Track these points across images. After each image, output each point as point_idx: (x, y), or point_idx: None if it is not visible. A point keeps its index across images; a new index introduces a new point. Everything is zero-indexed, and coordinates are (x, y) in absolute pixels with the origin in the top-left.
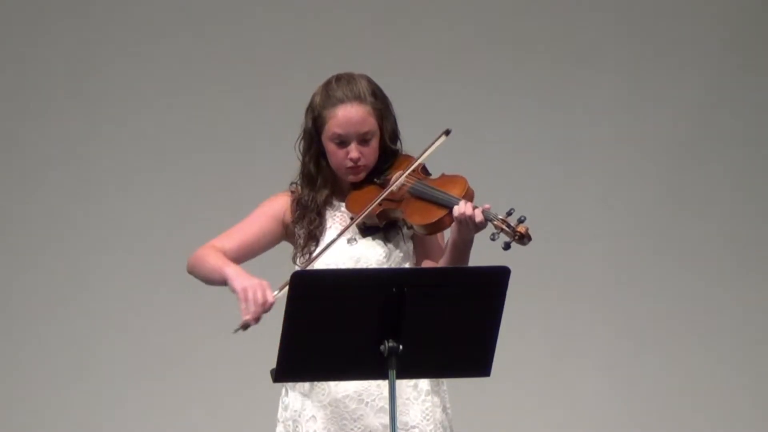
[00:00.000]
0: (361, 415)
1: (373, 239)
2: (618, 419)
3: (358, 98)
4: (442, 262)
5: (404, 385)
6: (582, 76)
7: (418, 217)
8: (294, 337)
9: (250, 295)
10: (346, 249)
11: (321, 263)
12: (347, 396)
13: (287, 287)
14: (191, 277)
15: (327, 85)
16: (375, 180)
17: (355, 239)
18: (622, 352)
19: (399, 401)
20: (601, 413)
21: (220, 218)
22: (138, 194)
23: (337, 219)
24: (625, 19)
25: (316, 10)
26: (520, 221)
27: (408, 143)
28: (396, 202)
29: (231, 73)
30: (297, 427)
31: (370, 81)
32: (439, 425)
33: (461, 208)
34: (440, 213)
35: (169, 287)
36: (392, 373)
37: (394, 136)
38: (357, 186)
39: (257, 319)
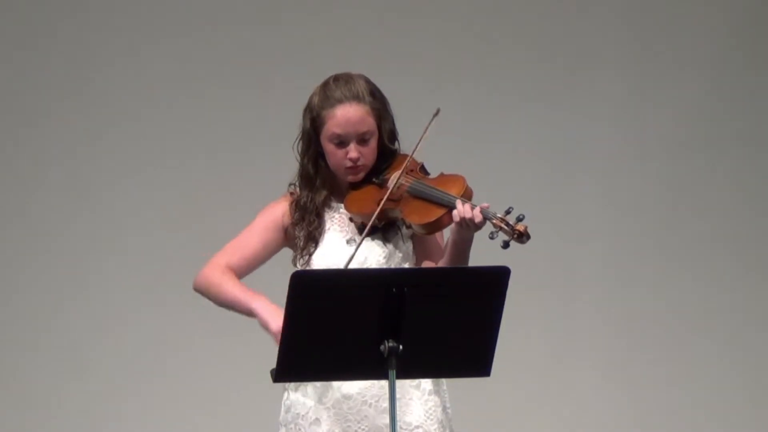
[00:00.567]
0: (365, 416)
1: (373, 240)
2: (618, 419)
3: (357, 98)
4: (441, 262)
5: (407, 385)
6: (582, 76)
7: (416, 216)
8: (294, 337)
9: None
10: (346, 249)
11: (321, 264)
12: (350, 397)
13: None
14: (191, 277)
15: (325, 86)
16: (374, 180)
17: (354, 240)
18: (622, 351)
19: (402, 401)
20: (601, 413)
21: (220, 218)
22: (138, 194)
23: (335, 220)
24: (625, 19)
25: (315, 10)
26: (519, 219)
27: (406, 143)
28: (395, 201)
29: (230, 74)
30: (300, 429)
31: (368, 81)
32: (440, 425)
33: (460, 207)
34: (439, 212)
35: (169, 287)
36: (392, 373)
37: (393, 136)
38: (355, 186)
39: None
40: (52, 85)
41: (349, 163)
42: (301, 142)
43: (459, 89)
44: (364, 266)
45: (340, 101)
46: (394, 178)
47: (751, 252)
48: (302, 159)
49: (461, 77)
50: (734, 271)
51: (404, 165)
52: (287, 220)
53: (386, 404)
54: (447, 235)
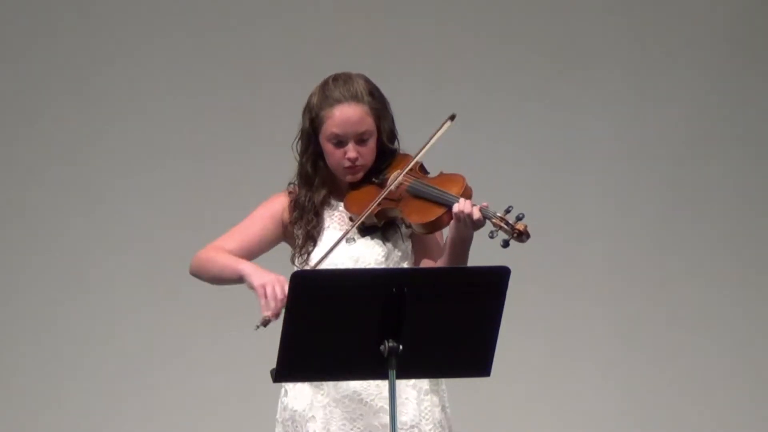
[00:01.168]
0: (361, 414)
1: (372, 239)
2: (618, 419)
3: (356, 98)
4: (441, 261)
5: (403, 385)
6: (582, 76)
7: (416, 215)
8: (294, 337)
9: (269, 291)
10: (345, 249)
11: (321, 264)
12: (347, 396)
13: None
14: (191, 276)
15: (324, 86)
16: (373, 179)
17: (353, 239)
18: (622, 351)
19: (398, 401)
20: (601, 413)
21: (219, 218)
22: (137, 194)
23: (335, 219)
24: (625, 19)
25: (314, 10)
26: (519, 218)
27: (405, 143)
28: (394, 201)
29: (230, 74)
30: (296, 427)
31: (367, 81)
32: (438, 424)
33: (459, 206)
34: (438, 211)
35: (169, 287)
36: (392, 373)
37: (392, 135)
38: (355, 186)
39: (277, 315)
40: (52, 85)
41: (347, 163)
42: (300, 141)
43: (459, 89)
44: (360, 264)
45: (338, 101)
46: (393, 178)
47: (751, 252)
48: (301, 159)
49: (461, 77)
50: (734, 271)
51: (408, 165)
52: (286, 216)
53: (382, 403)
54: (447, 234)
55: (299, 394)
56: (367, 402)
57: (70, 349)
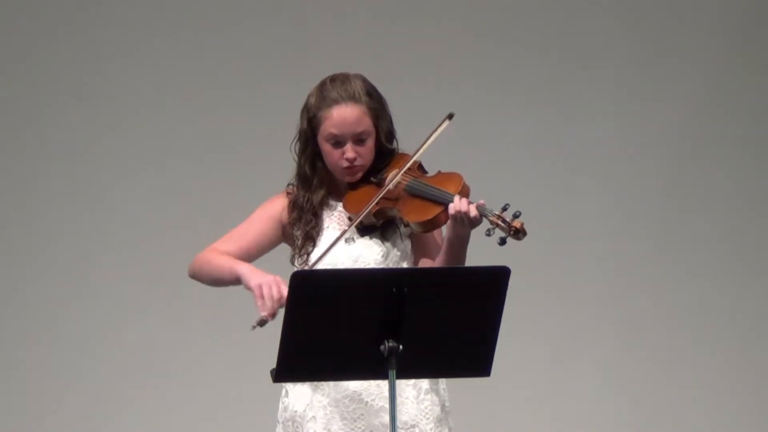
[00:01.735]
0: (362, 414)
1: (371, 238)
2: (618, 419)
3: (353, 98)
4: (438, 260)
5: (403, 384)
6: (582, 75)
7: (414, 214)
8: (294, 337)
9: (266, 291)
10: (344, 248)
11: (319, 263)
12: (347, 396)
13: None
14: (191, 277)
15: (322, 86)
16: (372, 179)
17: (352, 238)
18: (621, 352)
19: (398, 400)
20: (600, 413)
21: (219, 218)
22: (137, 194)
23: (334, 219)
24: (625, 19)
25: (314, 10)
26: (515, 216)
27: (404, 142)
28: (392, 200)
29: (230, 74)
30: (297, 427)
31: (365, 81)
32: (438, 424)
33: (456, 204)
34: (436, 210)
35: (169, 287)
36: (392, 373)
37: (390, 135)
38: (354, 186)
39: (274, 315)
40: (52, 86)
41: (345, 163)
42: (298, 142)
43: (459, 89)
44: (359, 264)
45: (336, 101)
46: (391, 177)
47: (751, 252)
48: (299, 159)
49: (461, 77)
50: (734, 271)
51: (406, 164)
52: (285, 217)
53: (382, 403)
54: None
55: (299, 395)
56: (367, 402)
57: (70, 349)
